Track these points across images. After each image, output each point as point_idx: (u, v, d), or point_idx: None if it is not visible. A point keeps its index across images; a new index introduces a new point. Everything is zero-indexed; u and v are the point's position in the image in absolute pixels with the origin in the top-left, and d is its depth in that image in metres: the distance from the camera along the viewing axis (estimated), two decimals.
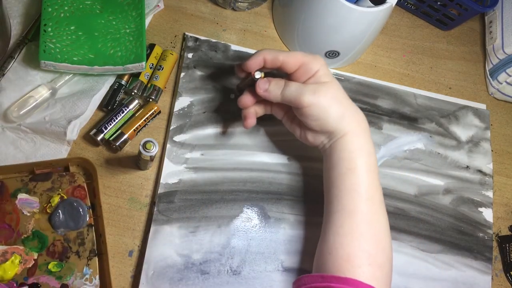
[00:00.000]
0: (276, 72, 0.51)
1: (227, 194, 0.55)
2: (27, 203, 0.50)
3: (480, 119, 0.66)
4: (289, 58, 0.48)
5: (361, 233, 0.45)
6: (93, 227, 0.50)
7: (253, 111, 0.52)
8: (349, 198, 0.46)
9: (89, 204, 0.51)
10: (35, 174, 0.51)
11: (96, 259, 0.49)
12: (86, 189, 0.51)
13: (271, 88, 0.48)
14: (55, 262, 0.48)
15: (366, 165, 0.47)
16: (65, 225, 0.50)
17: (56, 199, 0.50)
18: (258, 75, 0.48)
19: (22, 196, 0.50)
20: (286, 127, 0.52)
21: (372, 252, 0.45)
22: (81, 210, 0.50)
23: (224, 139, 0.57)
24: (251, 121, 0.51)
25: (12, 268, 0.47)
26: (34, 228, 0.49)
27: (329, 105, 0.46)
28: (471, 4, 0.65)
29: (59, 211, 0.49)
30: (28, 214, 0.49)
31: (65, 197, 0.50)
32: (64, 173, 0.51)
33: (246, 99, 0.50)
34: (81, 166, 0.53)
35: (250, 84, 0.50)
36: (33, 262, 0.48)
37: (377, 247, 0.45)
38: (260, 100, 0.51)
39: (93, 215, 0.51)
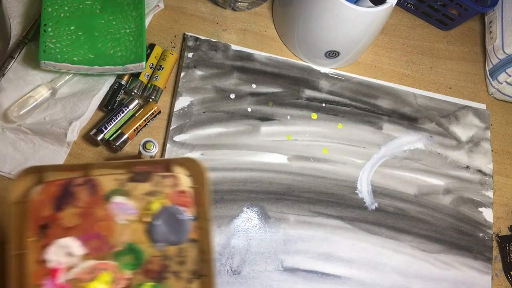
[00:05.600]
0: None
1: (227, 194, 0.55)
2: (123, 208, 0.40)
3: (480, 119, 0.66)
4: None
5: None
6: (197, 243, 0.41)
7: None
8: None
9: (195, 214, 0.42)
10: (134, 173, 0.42)
11: (198, 282, 0.40)
12: (191, 195, 0.42)
13: None
14: (152, 283, 0.39)
15: None
16: (165, 239, 0.40)
17: (155, 206, 0.41)
18: None
19: (117, 199, 0.40)
20: None
21: None
22: (184, 221, 0.41)
23: (224, 139, 0.57)
24: None
25: None
26: (130, 240, 0.40)
27: None
28: (471, 4, 0.65)
29: (160, 221, 0.41)
30: (123, 223, 0.40)
31: (167, 204, 0.41)
32: (165, 174, 0.42)
33: None
34: (183, 168, 0.43)
35: None
36: (126, 282, 0.39)
37: None
38: None
39: (198, 228, 0.42)
